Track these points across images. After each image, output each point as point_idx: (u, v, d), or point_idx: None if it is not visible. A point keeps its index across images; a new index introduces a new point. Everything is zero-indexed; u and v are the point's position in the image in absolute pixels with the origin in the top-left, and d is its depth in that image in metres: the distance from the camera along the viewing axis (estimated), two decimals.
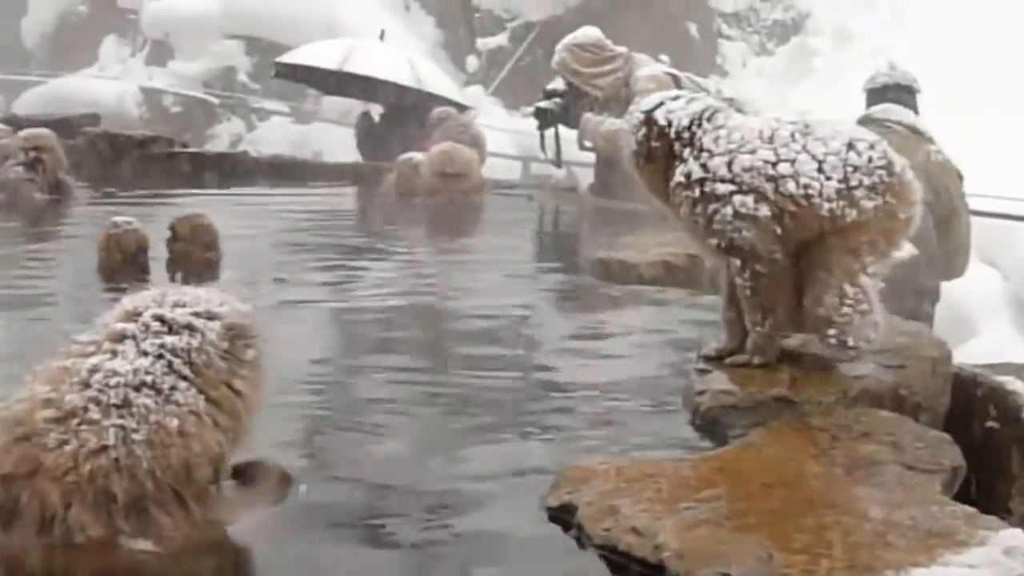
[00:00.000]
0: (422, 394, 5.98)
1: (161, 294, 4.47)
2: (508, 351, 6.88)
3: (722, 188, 5.43)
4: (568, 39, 14.11)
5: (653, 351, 6.77)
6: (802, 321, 5.63)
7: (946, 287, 11.97)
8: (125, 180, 14.96)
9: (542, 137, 14.46)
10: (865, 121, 11.10)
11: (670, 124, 5.56)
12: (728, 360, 5.74)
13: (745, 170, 5.42)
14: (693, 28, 30.71)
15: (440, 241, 11.94)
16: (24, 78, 28.31)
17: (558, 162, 14.77)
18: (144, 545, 4.11)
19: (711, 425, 5.29)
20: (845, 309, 5.45)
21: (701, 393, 5.49)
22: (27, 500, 4.08)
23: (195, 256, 9.07)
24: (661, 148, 5.60)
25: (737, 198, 5.40)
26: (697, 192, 5.49)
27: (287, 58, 20.05)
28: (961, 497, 4.52)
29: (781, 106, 26.53)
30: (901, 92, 12.02)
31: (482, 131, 16.74)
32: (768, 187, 5.39)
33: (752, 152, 5.44)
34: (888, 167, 5.47)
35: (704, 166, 5.49)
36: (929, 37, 27.78)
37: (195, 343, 4.30)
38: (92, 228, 10.02)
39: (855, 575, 3.68)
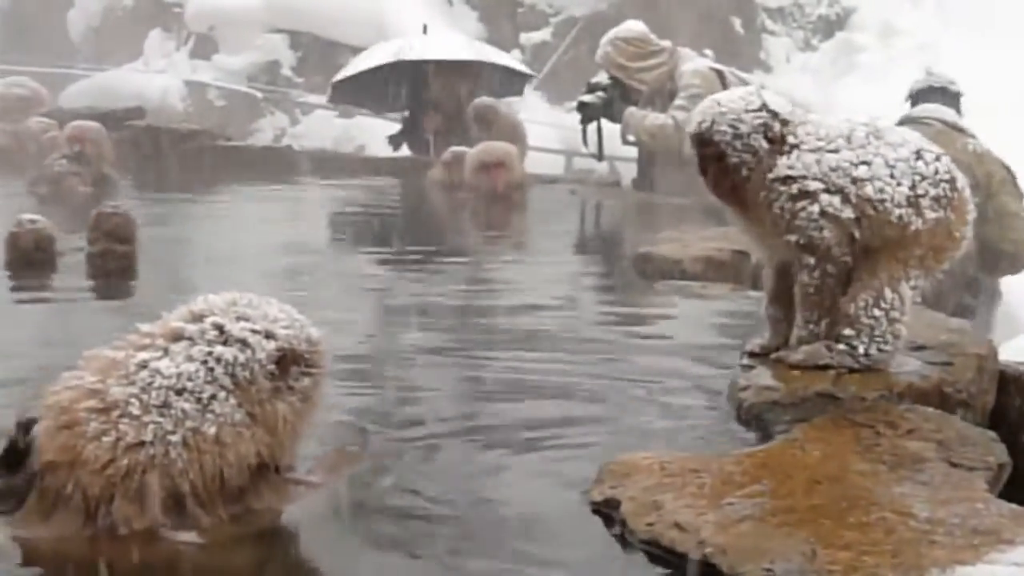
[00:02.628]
0: (461, 379, 6.00)
1: (232, 302, 4.48)
2: (549, 345, 6.86)
3: (813, 185, 5.34)
4: (612, 33, 14.09)
5: (696, 346, 6.75)
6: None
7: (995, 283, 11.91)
8: (169, 174, 15.01)
9: (584, 131, 14.43)
10: (905, 121, 11.08)
11: (763, 110, 5.44)
12: (773, 355, 5.69)
13: (832, 169, 5.34)
14: (737, 23, 30.58)
15: (481, 235, 11.94)
16: (69, 71, 28.43)
17: (600, 156, 14.73)
18: (187, 537, 4.14)
19: (755, 420, 5.26)
20: (876, 312, 5.40)
21: (745, 389, 5.47)
22: (71, 490, 4.11)
23: (112, 251, 8.92)
24: (745, 143, 5.42)
25: (824, 197, 5.33)
26: (795, 188, 5.37)
27: (341, 75, 20.13)
28: (1007, 495, 4.49)
29: (825, 102, 26.42)
30: (939, 94, 12.05)
31: (523, 125, 16.70)
32: (852, 188, 5.33)
33: (836, 151, 5.37)
34: (952, 181, 5.41)
35: (798, 162, 5.39)
36: (975, 33, 27.59)
37: (242, 358, 4.32)
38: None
39: (900, 573, 3.66)
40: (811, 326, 5.56)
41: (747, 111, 5.43)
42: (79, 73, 28.74)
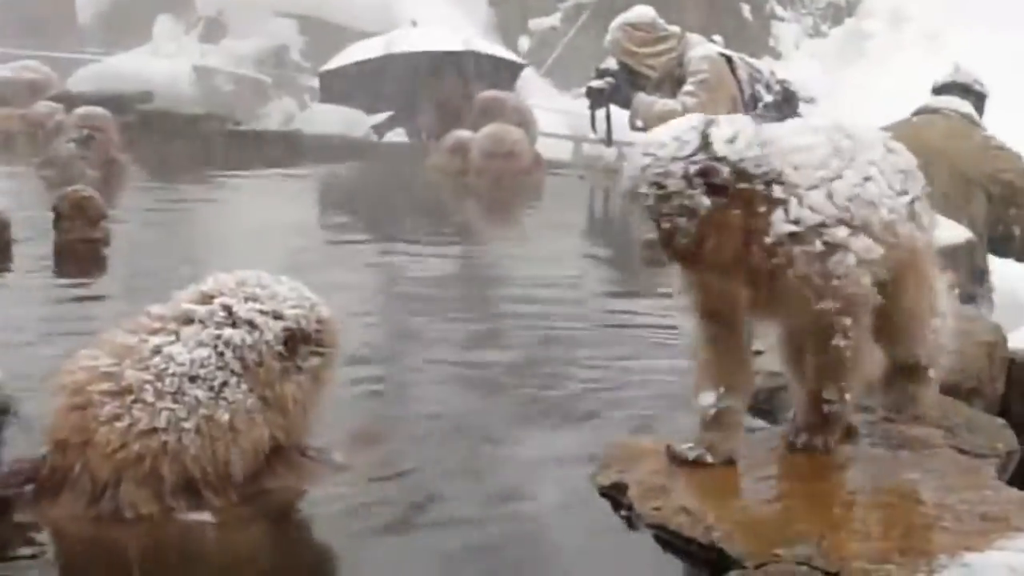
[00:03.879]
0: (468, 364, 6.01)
1: (241, 281, 4.47)
2: (558, 330, 6.86)
3: (839, 233, 4.22)
4: (621, 19, 14.03)
5: None
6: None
7: (1002, 271, 11.87)
8: (177, 158, 15.00)
9: (593, 117, 14.37)
10: (922, 110, 11.06)
11: (742, 159, 4.13)
12: (801, 444, 4.55)
13: (849, 200, 4.27)
14: (746, 9, 30.55)
15: (488, 221, 11.93)
16: (78, 56, 28.42)
17: (609, 142, 14.69)
18: (199, 517, 4.14)
19: (763, 406, 5.25)
20: (932, 343, 4.73)
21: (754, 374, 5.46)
22: (79, 471, 4.11)
23: (80, 233, 8.90)
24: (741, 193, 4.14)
25: (856, 242, 4.24)
26: (818, 244, 4.20)
27: (331, 65, 20.10)
28: (1016, 482, 4.48)
29: (833, 89, 26.39)
30: (960, 90, 12.00)
31: (532, 111, 16.67)
32: (874, 219, 4.31)
33: (839, 176, 4.29)
34: (915, 172, 4.58)
35: (802, 208, 4.20)
36: (984, 22, 27.53)
37: (250, 340, 4.32)
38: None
39: (909, 559, 3.65)
40: (848, 396, 4.49)
41: (676, 159, 4.10)
42: (88, 57, 28.73)
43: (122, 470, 4.11)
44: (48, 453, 4.26)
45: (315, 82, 23.38)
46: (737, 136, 4.13)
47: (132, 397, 4.17)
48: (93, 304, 7.44)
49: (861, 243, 4.23)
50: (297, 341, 4.39)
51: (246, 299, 4.38)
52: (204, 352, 4.26)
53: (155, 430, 4.13)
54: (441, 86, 18.20)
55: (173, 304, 4.45)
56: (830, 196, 4.22)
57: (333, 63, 20.42)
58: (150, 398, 4.16)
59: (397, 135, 19.03)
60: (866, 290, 4.28)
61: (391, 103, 19.08)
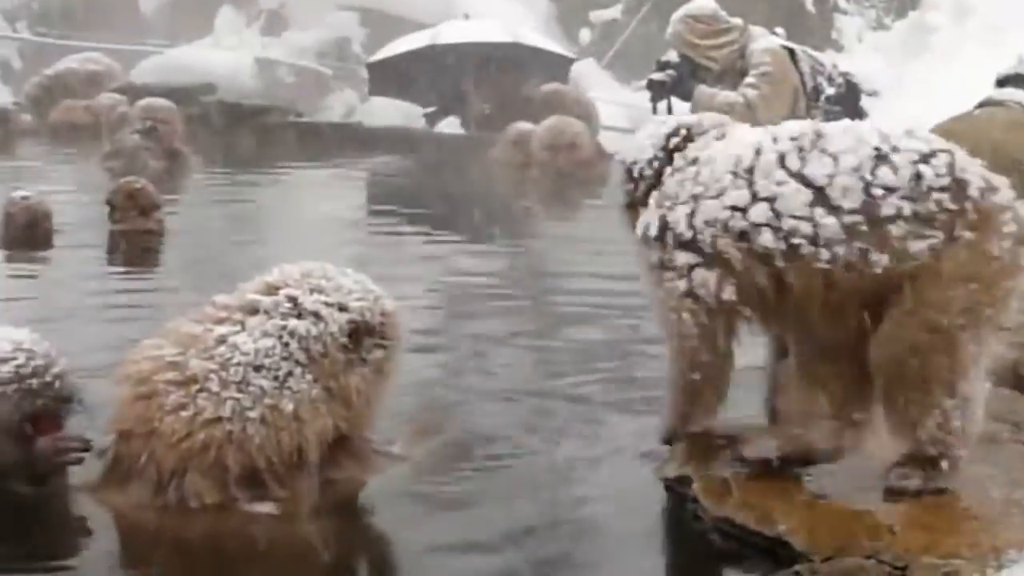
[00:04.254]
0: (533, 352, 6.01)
1: (307, 273, 4.47)
2: (619, 322, 6.85)
3: (681, 258, 4.19)
4: (683, 11, 13.96)
5: None
6: None
7: None
8: (239, 149, 15.08)
9: (654, 109, 14.30)
10: (985, 103, 10.96)
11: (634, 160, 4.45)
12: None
13: (708, 224, 4.15)
14: (809, 1, 30.38)
15: (549, 212, 11.92)
16: (141, 48, 28.56)
17: None
18: (263, 508, 4.16)
19: None
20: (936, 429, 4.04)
21: None
22: (145, 460, 4.13)
23: (133, 224, 9.00)
24: None
25: (697, 273, 4.17)
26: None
27: (377, 56, 20.12)
28: None
29: (897, 83, 26.21)
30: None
31: (594, 104, 16.65)
32: (742, 248, 4.12)
33: (715, 196, 4.14)
34: (956, 186, 3.93)
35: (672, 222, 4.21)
36: None
37: (315, 332, 4.32)
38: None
39: (977, 554, 3.61)
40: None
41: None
42: (150, 49, 28.86)
43: (187, 460, 4.12)
44: (113, 442, 4.28)
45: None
46: (651, 137, 4.35)
47: (197, 387, 4.18)
48: (145, 294, 7.53)
49: (699, 276, 4.11)
50: (361, 333, 4.39)
51: (312, 290, 4.39)
52: (269, 342, 4.27)
53: (220, 419, 4.14)
54: (487, 78, 18.18)
55: (238, 294, 4.46)
56: (691, 215, 4.12)
57: (380, 55, 20.43)
58: (215, 388, 4.18)
59: (450, 126, 19.03)
60: (689, 327, 4.19)
61: (437, 94, 19.09)
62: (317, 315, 4.34)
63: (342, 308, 4.38)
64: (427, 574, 4.00)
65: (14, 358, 4.25)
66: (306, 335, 4.30)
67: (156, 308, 7.07)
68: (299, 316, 4.33)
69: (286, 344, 4.28)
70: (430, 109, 19.11)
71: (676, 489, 4.36)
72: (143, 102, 14.03)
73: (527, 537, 4.17)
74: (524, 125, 14.01)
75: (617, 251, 8.91)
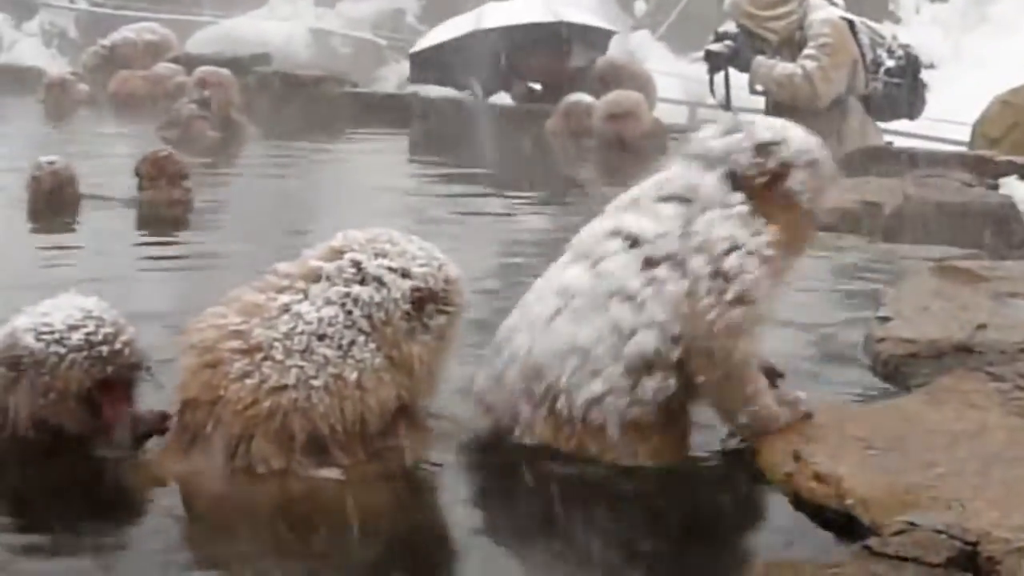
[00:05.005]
0: None
1: (372, 238, 4.44)
2: None
3: None
4: None
5: (831, 297, 6.67)
6: None
7: None
8: (294, 119, 15.09)
9: (711, 81, 14.26)
10: None
11: None
12: None
13: None
14: None
15: (604, 183, 11.87)
16: (196, 18, 28.68)
17: (727, 106, 14.55)
18: (328, 473, 4.16)
19: (892, 373, 5.19)
20: None
21: (882, 340, 5.39)
22: (212, 427, 4.14)
23: (162, 194, 8.97)
24: None
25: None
26: None
27: (420, 46, 20.03)
28: None
29: (954, 55, 26.01)
30: None
31: (651, 76, 16.56)
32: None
33: None
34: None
35: None
36: None
37: (378, 298, 4.30)
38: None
39: None
40: None
41: None
42: (206, 20, 28.99)
43: (254, 426, 4.13)
44: (178, 411, 4.29)
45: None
46: None
47: (262, 355, 4.18)
48: (176, 260, 7.55)
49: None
50: (425, 300, 4.36)
51: (376, 255, 4.36)
52: (332, 311, 4.25)
53: (285, 387, 4.14)
54: (531, 59, 18.11)
55: (301, 261, 4.45)
56: None
57: (422, 43, 20.37)
58: (279, 356, 4.17)
59: (500, 98, 18.97)
60: None
61: (479, 79, 19.03)
62: (380, 281, 4.31)
63: (405, 274, 4.35)
64: (485, 551, 3.99)
65: (84, 325, 4.26)
66: (369, 301, 4.28)
67: (193, 273, 7.12)
68: (362, 282, 4.30)
69: (349, 312, 4.26)
70: (471, 94, 19.07)
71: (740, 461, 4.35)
72: (199, 71, 14.05)
73: (589, 510, 4.15)
74: (578, 96, 13.94)
75: None
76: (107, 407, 4.30)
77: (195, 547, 3.95)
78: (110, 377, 4.28)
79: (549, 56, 17.42)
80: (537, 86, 17.57)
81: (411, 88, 18.50)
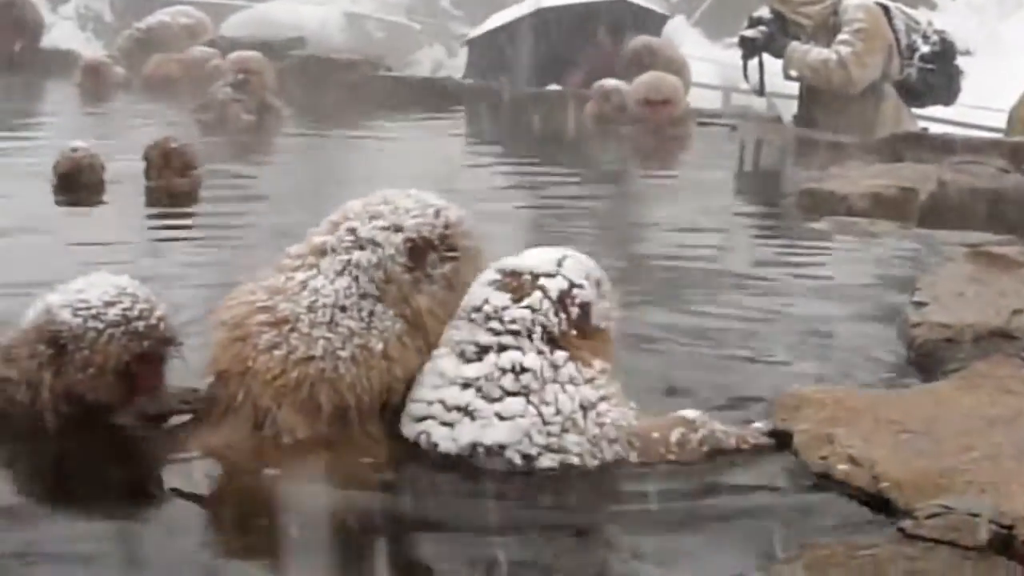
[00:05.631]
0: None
1: (367, 202, 4.48)
2: (720, 280, 6.83)
3: None
4: None
5: (866, 282, 6.67)
6: None
7: None
8: (329, 103, 15.11)
9: (746, 66, 14.23)
10: None
11: None
12: None
13: None
14: None
15: (644, 169, 11.88)
16: (231, 2, 28.70)
17: (761, 91, 14.52)
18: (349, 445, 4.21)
19: (927, 358, 5.19)
20: None
21: (917, 325, 5.40)
22: (241, 398, 4.19)
23: (170, 182, 8.99)
24: None
25: None
26: None
27: (478, 31, 20.05)
28: None
29: (991, 41, 25.87)
30: None
31: (685, 60, 16.54)
32: None
33: None
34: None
35: None
36: None
37: (375, 259, 4.34)
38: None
39: None
40: None
41: None
42: (241, 3, 29.00)
43: (281, 396, 4.17)
44: (209, 385, 4.35)
45: (464, 29, 23.46)
46: None
47: (288, 327, 4.23)
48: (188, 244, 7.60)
49: None
50: (423, 250, 4.38)
51: (370, 218, 4.39)
52: (343, 281, 4.31)
53: (312, 358, 4.19)
54: (590, 39, 18.07)
55: (307, 240, 4.50)
56: None
57: (482, 28, 20.33)
58: (305, 328, 4.22)
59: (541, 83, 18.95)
60: None
61: (538, 65, 19.03)
62: (374, 242, 4.35)
63: (398, 229, 4.37)
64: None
65: (120, 301, 4.34)
66: (368, 265, 4.32)
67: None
68: (360, 247, 4.34)
69: (356, 279, 4.31)
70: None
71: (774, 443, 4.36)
72: (234, 55, 14.08)
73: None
74: (617, 81, 13.93)
75: (715, 206, 8.98)
76: (141, 381, 4.36)
77: (229, 516, 3.99)
78: (145, 352, 4.36)
79: (608, 38, 17.41)
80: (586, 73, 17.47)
81: (444, 72, 18.52)
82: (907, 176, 8.83)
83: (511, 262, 4.36)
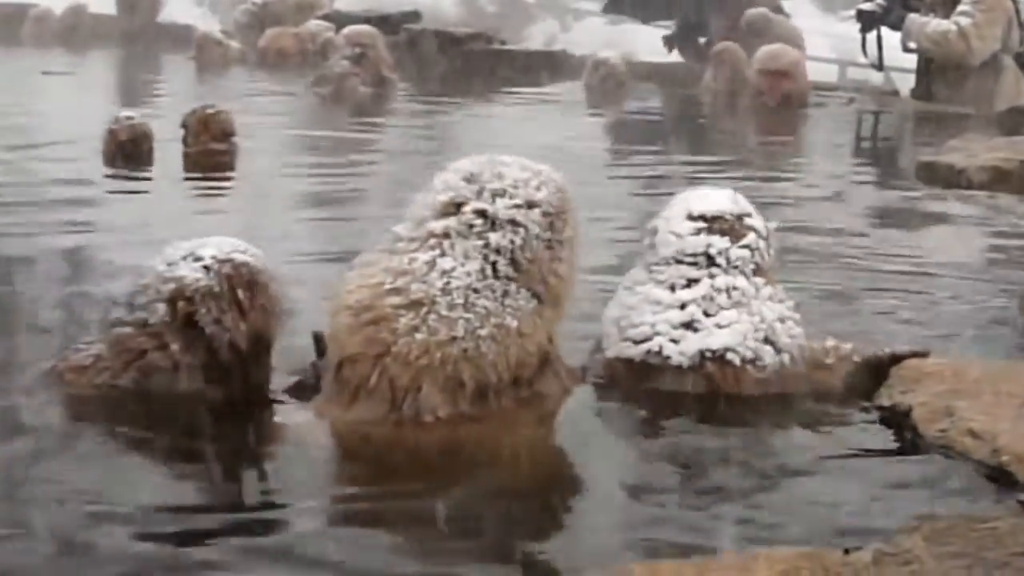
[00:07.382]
0: None
1: (474, 176, 4.40)
2: (841, 250, 6.79)
3: None
4: None
5: (986, 255, 6.61)
6: None
7: None
8: (445, 77, 15.18)
9: (863, 40, 14.10)
10: None
11: None
12: None
13: None
14: None
15: (759, 144, 11.82)
16: None
17: (880, 65, 14.38)
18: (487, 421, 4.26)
19: None
20: None
21: None
22: (377, 380, 4.22)
23: (207, 149, 9.12)
24: None
25: None
26: None
27: None
28: None
29: None
30: None
31: (800, 32, 16.43)
32: None
33: None
34: None
35: None
36: None
37: (519, 240, 4.31)
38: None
39: None
40: None
41: None
42: None
43: (423, 376, 4.21)
44: (335, 367, 4.36)
45: (580, 3, 23.43)
46: None
47: (425, 309, 4.24)
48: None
49: None
50: (554, 219, 4.39)
51: (493, 196, 4.36)
52: (475, 264, 4.29)
53: (454, 339, 4.22)
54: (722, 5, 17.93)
55: (418, 220, 4.42)
56: None
57: None
58: (444, 311, 4.23)
59: (658, 53, 18.89)
60: None
61: (678, 16, 18.97)
62: (514, 222, 4.32)
63: (531, 204, 4.35)
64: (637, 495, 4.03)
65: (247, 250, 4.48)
66: (511, 246, 4.31)
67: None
68: (494, 227, 4.31)
69: (493, 263, 4.30)
70: (667, 33, 19.05)
71: (892, 419, 4.34)
72: (349, 29, 14.21)
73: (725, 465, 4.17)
74: (728, 47, 13.86)
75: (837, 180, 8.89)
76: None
77: (358, 487, 4.03)
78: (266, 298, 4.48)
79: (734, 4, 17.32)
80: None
81: (558, 45, 18.49)
82: None
83: (698, 206, 4.82)
